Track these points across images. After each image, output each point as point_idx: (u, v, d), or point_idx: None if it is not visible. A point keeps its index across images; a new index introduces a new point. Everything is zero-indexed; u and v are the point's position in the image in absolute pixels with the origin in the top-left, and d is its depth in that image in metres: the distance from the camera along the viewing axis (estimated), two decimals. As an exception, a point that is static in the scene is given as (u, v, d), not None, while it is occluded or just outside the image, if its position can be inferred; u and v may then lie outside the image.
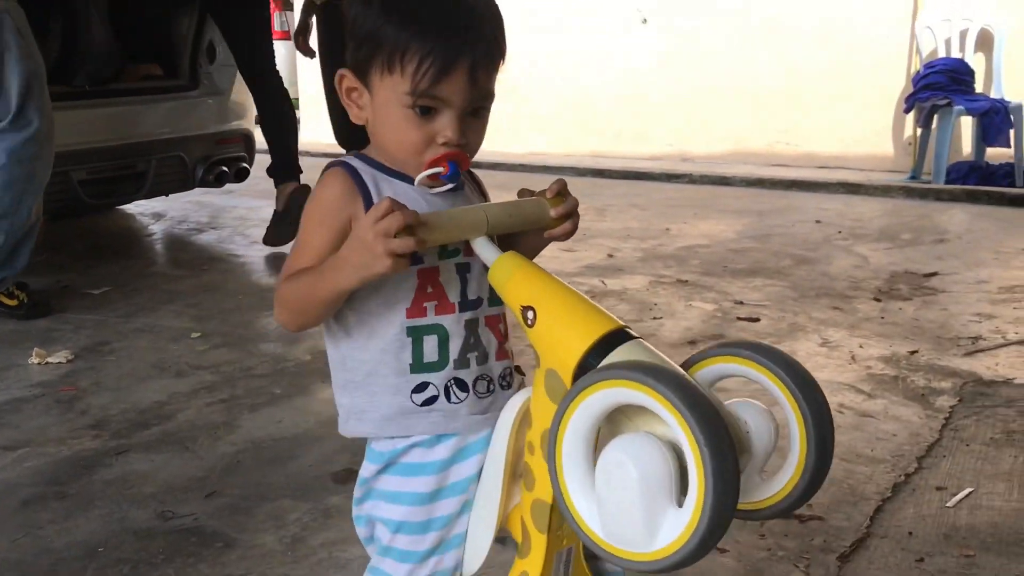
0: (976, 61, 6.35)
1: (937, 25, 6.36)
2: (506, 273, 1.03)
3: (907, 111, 6.39)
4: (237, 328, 3.24)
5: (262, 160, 4.63)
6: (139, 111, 4.22)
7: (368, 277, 0.98)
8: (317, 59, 4.44)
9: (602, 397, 0.87)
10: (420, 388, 1.08)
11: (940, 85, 6.06)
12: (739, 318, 3.30)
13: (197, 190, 4.70)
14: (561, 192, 1.11)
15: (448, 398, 1.09)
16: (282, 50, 10.36)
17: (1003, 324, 3.20)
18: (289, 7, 10.14)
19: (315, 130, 8.68)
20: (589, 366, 0.92)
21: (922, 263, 4.09)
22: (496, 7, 1.08)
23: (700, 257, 4.29)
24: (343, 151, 4.64)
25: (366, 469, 1.13)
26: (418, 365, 1.08)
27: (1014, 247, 4.40)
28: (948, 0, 6.40)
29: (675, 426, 0.82)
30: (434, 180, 1.06)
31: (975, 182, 5.92)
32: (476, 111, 1.07)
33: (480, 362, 1.11)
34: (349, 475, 2.04)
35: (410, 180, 1.07)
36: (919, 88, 6.17)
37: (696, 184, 6.72)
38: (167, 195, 4.76)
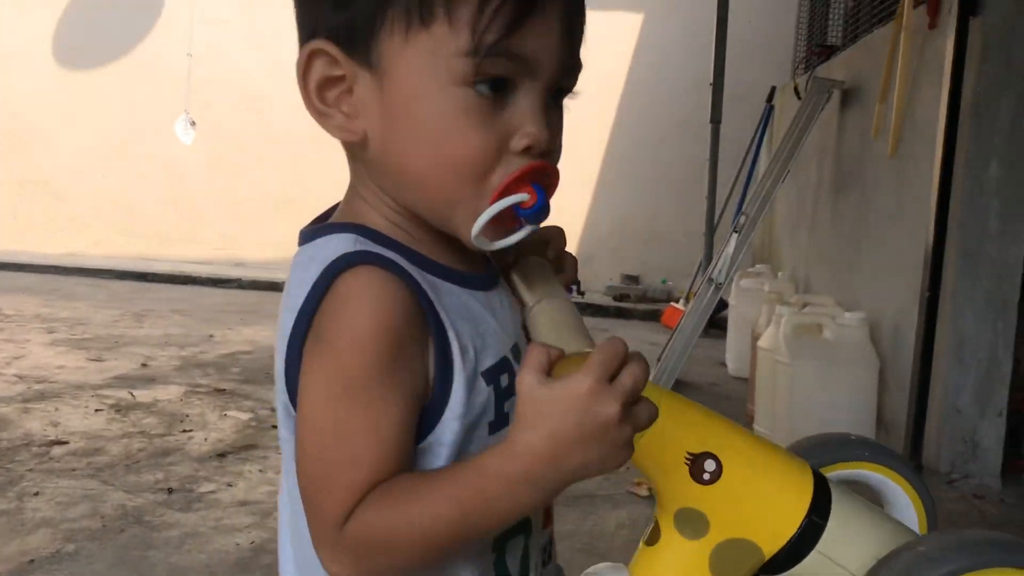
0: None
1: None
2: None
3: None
4: None
5: None
6: None
7: (581, 479, 0.59)
8: None
9: None
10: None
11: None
12: (274, 426, 3.25)
13: None
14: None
15: None
16: None
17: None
18: None
19: None
20: (813, 528, 0.70)
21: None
22: None
23: (242, 364, 4.20)
24: None
25: None
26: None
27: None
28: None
29: None
30: (501, 224, 0.62)
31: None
32: (558, 95, 0.65)
33: (537, 528, 0.73)
34: None
35: (455, 277, 0.65)
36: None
37: (246, 289, 6.64)
38: None
